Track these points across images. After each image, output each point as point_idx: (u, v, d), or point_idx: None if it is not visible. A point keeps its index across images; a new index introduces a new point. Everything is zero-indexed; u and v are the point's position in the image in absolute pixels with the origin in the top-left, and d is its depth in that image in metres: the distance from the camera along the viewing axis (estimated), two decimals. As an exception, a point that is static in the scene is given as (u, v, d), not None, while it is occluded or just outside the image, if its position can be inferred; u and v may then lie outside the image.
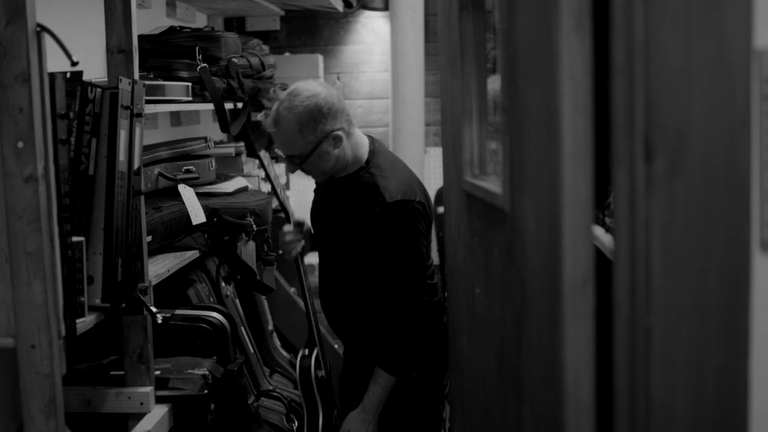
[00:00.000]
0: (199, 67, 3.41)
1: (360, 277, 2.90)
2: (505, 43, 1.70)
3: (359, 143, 2.86)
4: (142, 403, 2.43)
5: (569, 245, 1.36)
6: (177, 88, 3.13)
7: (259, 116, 2.88)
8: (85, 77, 2.01)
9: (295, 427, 3.46)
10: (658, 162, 1.21)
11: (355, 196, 2.83)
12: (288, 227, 3.08)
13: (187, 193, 3.21)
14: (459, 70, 2.16)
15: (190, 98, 3.25)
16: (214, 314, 3.05)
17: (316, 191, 3.12)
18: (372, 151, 2.87)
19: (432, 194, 5.10)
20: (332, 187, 2.94)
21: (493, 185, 1.90)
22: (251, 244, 3.66)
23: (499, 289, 1.88)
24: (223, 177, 3.72)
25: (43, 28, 1.71)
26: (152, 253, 2.85)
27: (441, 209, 4.97)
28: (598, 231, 2.07)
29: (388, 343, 2.86)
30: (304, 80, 2.85)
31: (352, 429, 2.89)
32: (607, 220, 2.10)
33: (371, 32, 5.39)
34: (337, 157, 2.79)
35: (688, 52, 1.20)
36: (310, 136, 2.73)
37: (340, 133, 2.75)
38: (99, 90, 2.05)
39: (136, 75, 2.34)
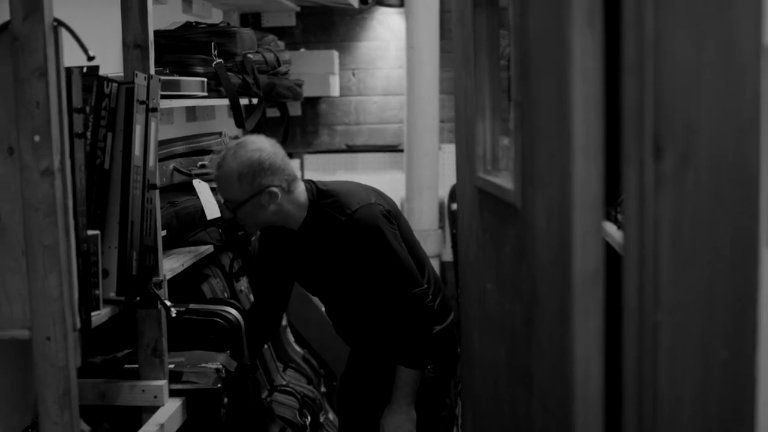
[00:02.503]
0: (215, 62, 3.43)
1: (361, 295, 2.98)
2: (518, 39, 1.71)
3: (300, 197, 2.91)
4: (155, 397, 2.45)
5: (580, 239, 1.37)
6: (192, 83, 3.14)
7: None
8: (102, 72, 2.03)
9: (308, 422, 3.47)
10: (667, 159, 1.22)
11: (322, 234, 2.91)
12: None
13: (201, 188, 3.23)
14: (472, 67, 2.16)
15: (206, 93, 3.27)
16: (228, 309, 3.07)
17: (266, 241, 3.17)
18: (310, 190, 2.95)
19: (446, 191, 5.11)
20: (297, 236, 2.98)
21: (504, 181, 1.90)
22: (265, 240, 3.66)
23: (510, 284, 1.88)
24: (237, 172, 3.73)
25: (60, 23, 1.73)
26: (167, 247, 2.87)
27: (455, 206, 4.98)
28: (610, 227, 2.07)
29: (401, 340, 2.90)
30: (254, 135, 2.97)
31: (389, 425, 2.96)
32: (619, 216, 2.10)
33: (387, 29, 5.39)
34: (273, 212, 2.85)
35: (698, 50, 1.20)
36: (247, 186, 2.80)
37: (275, 189, 2.82)
38: (115, 85, 2.07)
39: (152, 70, 2.36)
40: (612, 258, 1.49)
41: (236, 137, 4.32)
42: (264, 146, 2.84)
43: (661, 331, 1.25)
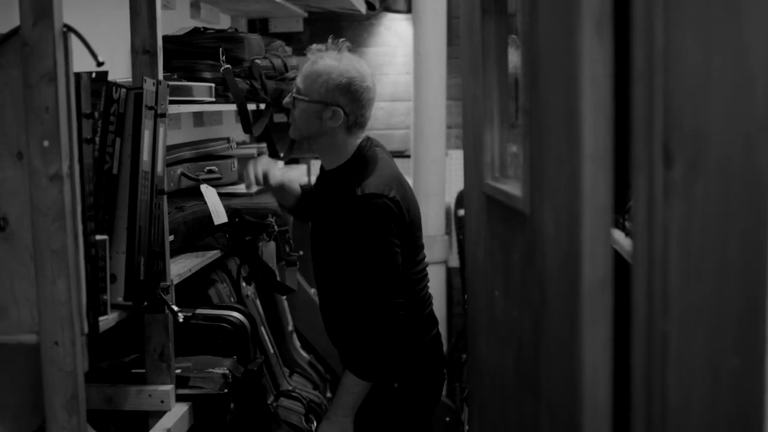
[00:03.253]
0: (223, 68, 3.43)
1: (335, 274, 2.92)
2: (527, 46, 1.71)
3: (351, 143, 2.87)
4: (162, 401, 2.45)
5: (588, 247, 1.37)
6: (200, 88, 3.15)
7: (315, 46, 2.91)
8: (110, 77, 2.03)
9: (314, 428, 3.47)
10: (676, 167, 1.22)
11: (334, 190, 2.87)
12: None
13: (209, 193, 3.23)
14: (480, 74, 2.16)
15: (213, 99, 3.27)
16: (235, 314, 3.07)
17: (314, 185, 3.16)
18: (362, 147, 2.88)
19: (453, 197, 5.11)
20: (321, 181, 3.00)
21: (513, 188, 1.91)
22: (272, 245, 3.67)
23: (518, 291, 1.88)
24: (245, 177, 3.74)
25: (70, 29, 1.73)
26: (174, 252, 2.87)
27: (461, 212, 4.98)
28: (618, 235, 2.07)
29: (354, 343, 2.84)
30: (368, 65, 2.91)
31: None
32: (627, 224, 2.10)
33: (394, 35, 5.39)
34: (323, 132, 2.83)
35: (708, 57, 1.20)
36: (323, 90, 2.78)
37: (342, 114, 2.79)
38: (124, 90, 2.07)
39: (161, 75, 2.36)
40: (620, 265, 1.49)
41: (243, 142, 4.33)
42: (365, 73, 2.82)
43: (670, 339, 1.25)
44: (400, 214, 2.76)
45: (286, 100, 2.90)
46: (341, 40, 2.88)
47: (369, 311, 2.77)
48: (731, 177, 1.22)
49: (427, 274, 2.99)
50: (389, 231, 2.74)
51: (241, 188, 3.52)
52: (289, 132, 2.94)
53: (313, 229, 3.03)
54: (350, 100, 2.78)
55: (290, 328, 4.04)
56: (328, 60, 2.80)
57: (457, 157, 5.17)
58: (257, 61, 3.68)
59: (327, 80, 2.77)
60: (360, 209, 2.73)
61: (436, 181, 4.94)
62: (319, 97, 2.78)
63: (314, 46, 2.90)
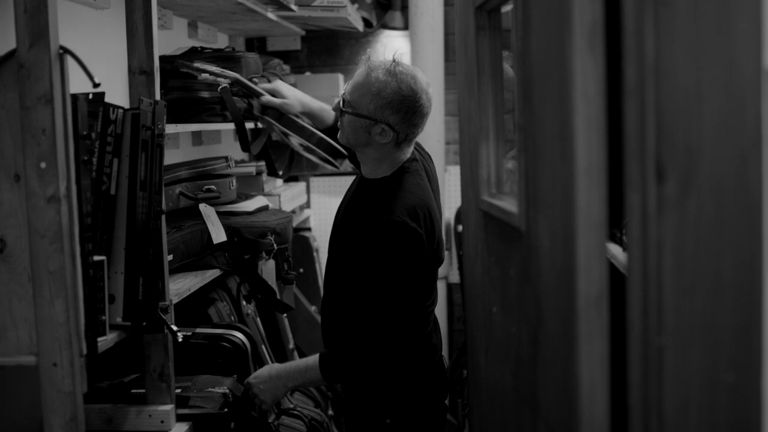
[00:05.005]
0: (220, 87, 3.44)
1: (343, 281, 2.82)
2: (520, 62, 1.72)
3: (396, 159, 2.76)
4: (162, 422, 2.44)
5: (583, 262, 1.37)
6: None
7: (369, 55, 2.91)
8: (108, 98, 2.04)
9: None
10: (669, 183, 1.22)
11: (365, 203, 2.77)
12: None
13: (207, 212, 3.24)
14: (476, 90, 2.17)
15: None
16: (235, 333, 3.07)
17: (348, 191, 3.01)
18: (405, 168, 2.77)
19: (452, 213, 5.11)
20: (358, 186, 2.89)
21: (509, 204, 1.91)
22: (271, 263, 3.67)
23: (515, 307, 1.88)
24: (243, 196, 3.74)
25: (66, 51, 1.74)
26: (173, 272, 2.88)
27: (461, 228, 4.99)
28: (615, 249, 2.07)
29: (341, 344, 2.78)
30: (419, 71, 2.78)
31: (260, 382, 2.84)
32: (624, 238, 2.10)
33: (391, 51, 5.39)
34: (370, 144, 2.73)
35: (699, 73, 1.21)
36: (373, 107, 2.68)
37: (390, 132, 2.68)
38: (121, 111, 2.08)
39: (158, 95, 2.37)
40: (618, 280, 1.49)
41: (242, 161, 4.34)
42: (419, 89, 2.68)
43: (666, 355, 1.25)
44: (422, 246, 2.63)
45: (335, 105, 2.89)
46: (398, 52, 2.84)
47: (367, 331, 2.67)
48: (724, 192, 1.22)
49: (434, 309, 2.87)
50: (408, 261, 2.62)
51: (239, 207, 3.52)
52: (338, 136, 2.86)
53: (335, 229, 2.92)
54: (401, 119, 2.67)
55: (291, 345, 4.04)
56: (381, 74, 2.70)
57: (455, 173, 5.17)
58: (255, 79, 3.68)
59: (378, 97, 2.67)
60: (384, 233, 2.62)
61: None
62: (368, 113, 2.69)
63: (368, 54, 2.88)
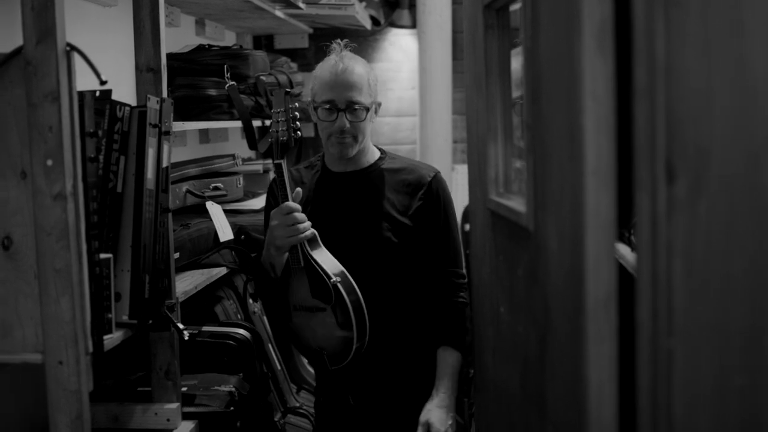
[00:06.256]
0: (228, 85, 3.44)
1: (404, 259, 2.79)
2: (529, 62, 1.71)
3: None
4: (168, 420, 2.44)
5: (592, 263, 1.36)
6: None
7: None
8: (114, 95, 2.03)
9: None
10: (679, 184, 1.21)
11: (390, 181, 2.84)
12: (291, 204, 2.66)
13: (214, 210, 3.24)
14: (484, 89, 2.16)
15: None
16: (241, 331, 3.07)
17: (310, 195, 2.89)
18: (379, 147, 2.95)
19: (459, 212, 5.10)
20: (348, 182, 2.85)
21: (517, 204, 1.90)
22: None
23: (522, 307, 1.88)
24: (250, 194, 3.75)
25: (73, 48, 1.73)
26: (180, 269, 2.87)
27: (468, 227, 4.97)
28: (624, 249, 2.06)
29: (451, 316, 2.80)
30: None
31: (436, 421, 2.71)
32: (633, 238, 2.09)
33: (399, 50, 5.40)
34: (367, 132, 2.82)
35: (710, 73, 1.20)
36: (373, 91, 2.79)
37: (378, 106, 2.83)
38: (127, 108, 2.08)
39: (165, 93, 2.36)
40: (626, 280, 1.48)
41: (249, 159, 4.33)
42: None
43: (676, 357, 1.24)
44: None
45: (362, 121, 2.76)
46: (339, 41, 2.93)
47: (461, 279, 2.84)
48: (735, 193, 1.21)
49: None
50: None
51: (246, 205, 3.52)
52: (346, 152, 2.79)
53: (347, 229, 2.81)
54: (377, 90, 2.84)
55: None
56: (359, 65, 2.79)
57: (463, 171, 5.16)
58: (262, 77, 3.69)
59: (370, 80, 2.78)
60: (442, 186, 2.83)
61: (443, 195, 4.93)
62: (371, 100, 2.78)
63: (336, 55, 2.85)
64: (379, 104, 2.85)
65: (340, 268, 2.69)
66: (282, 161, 2.66)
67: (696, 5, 1.21)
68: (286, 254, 2.70)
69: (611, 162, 1.34)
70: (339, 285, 2.64)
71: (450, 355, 2.79)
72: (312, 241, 2.69)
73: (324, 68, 2.82)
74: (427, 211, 2.80)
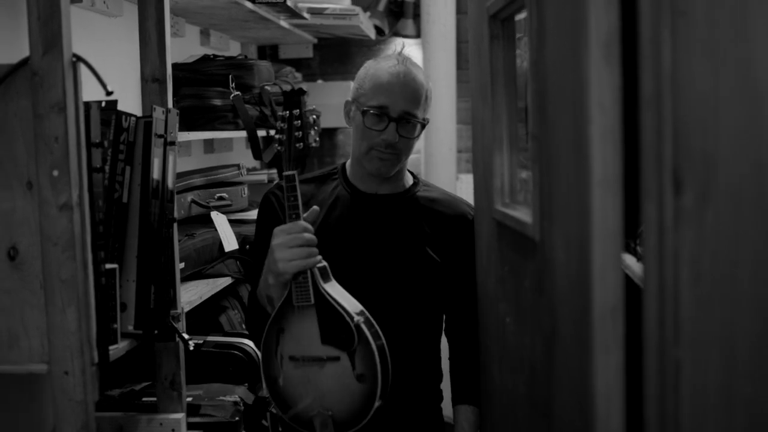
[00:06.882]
0: (233, 95, 3.45)
1: (431, 301, 2.54)
2: (535, 72, 1.71)
3: None
4: (173, 430, 2.43)
5: (599, 273, 1.36)
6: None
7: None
8: (120, 106, 2.04)
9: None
10: (686, 194, 1.21)
11: (426, 212, 2.53)
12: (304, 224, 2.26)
13: (219, 220, 3.24)
14: (489, 99, 2.16)
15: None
16: (246, 341, 3.06)
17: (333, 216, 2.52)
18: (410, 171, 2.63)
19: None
20: (381, 206, 2.52)
21: (523, 214, 1.90)
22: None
23: (529, 318, 1.87)
24: (255, 204, 3.74)
25: (79, 58, 1.74)
26: (185, 279, 2.87)
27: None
28: (630, 259, 2.06)
29: (470, 369, 2.54)
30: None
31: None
32: (638, 248, 2.09)
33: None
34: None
35: (716, 82, 1.20)
36: (427, 106, 2.48)
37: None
38: (133, 119, 2.08)
39: (170, 103, 2.36)
40: (631, 290, 1.48)
41: (253, 169, 4.34)
42: None
43: (683, 368, 1.24)
44: None
45: (413, 138, 2.47)
46: (402, 42, 2.70)
47: (473, 325, 2.53)
48: (743, 203, 1.21)
49: None
50: None
51: (251, 215, 3.52)
52: (386, 170, 2.48)
53: (373, 257, 2.49)
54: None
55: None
56: (416, 72, 2.45)
57: (467, 181, 5.17)
58: (267, 87, 3.69)
59: (427, 95, 2.47)
60: (473, 228, 2.53)
61: (447, 205, 4.93)
62: (426, 114, 2.49)
63: (400, 53, 2.52)
64: (428, 121, 2.52)
65: (360, 306, 2.27)
66: (295, 172, 2.25)
67: (702, 14, 1.21)
68: (286, 288, 2.27)
69: (618, 172, 1.34)
70: (363, 326, 2.20)
71: (471, 413, 2.54)
72: (323, 274, 2.26)
73: (381, 68, 2.47)
74: (464, 251, 2.53)
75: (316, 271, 2.23)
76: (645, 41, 1.25)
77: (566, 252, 1.53)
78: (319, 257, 2.23)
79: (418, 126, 2.44)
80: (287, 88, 3.85)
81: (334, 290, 2.25)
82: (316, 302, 2.22)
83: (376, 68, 2.47)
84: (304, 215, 2.25)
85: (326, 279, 2.26)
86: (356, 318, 2.19)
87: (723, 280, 1.22)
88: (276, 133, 2.31)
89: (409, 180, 2.60)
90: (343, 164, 2.62)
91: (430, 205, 2.54)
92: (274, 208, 2.47)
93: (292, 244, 2.20)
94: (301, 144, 2.29)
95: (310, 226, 2.23)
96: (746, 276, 1.22)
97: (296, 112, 2.30)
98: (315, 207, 2.29)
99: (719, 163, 1.21)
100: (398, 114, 2.40)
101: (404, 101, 2.40)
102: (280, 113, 2.33)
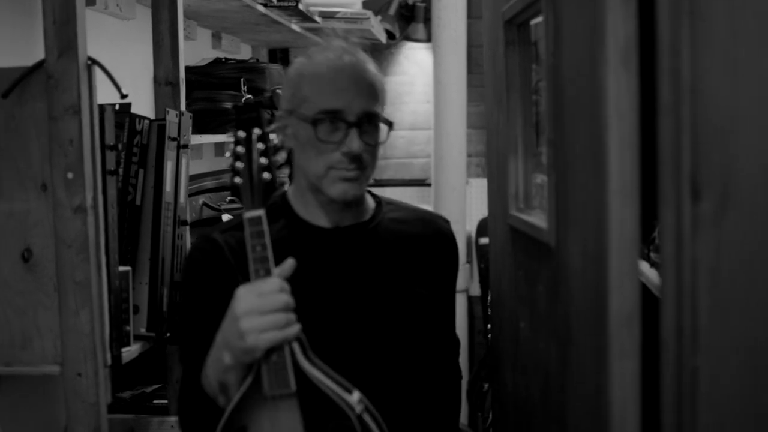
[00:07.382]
0: (244, 98, 3.44)
1: (407, 336, 1.90)
2: (551, 78, 1.71)
3: None
4: (184, 432, 2.44)
5: (616, 281, 1.36)
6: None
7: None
8: (134, 109, 2.04)
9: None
10: (705, 201, 1.21)
11: (401, 238, 1.97)
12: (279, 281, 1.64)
13: (230, 223, 3.23)
14: (504, 104, 2.16)
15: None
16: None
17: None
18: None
19: (474, 225, 5.10)
20: (347, 243, 1.92)
21: (538, 220, 1.90)
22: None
23: (544, 323, 1.87)
24: (266, 207, 3.74)
25: (94, 62, 1.74)
26: (196, 282, 2.86)
27: (482, 240, 4.97)
28: (644, 266, 2.05)
29: (451, 406, 2.05)
30: None
31: None
32: (653, 255, 2.08)
33: (414, 63, 5.40)
34: None
35: (736, 89, 1.19)
36: (385, 102, 1.92)
37: None
38: (146, 122, 2.08)
39: (183, 107, 2.37)
40: (645, 297, 1.47)
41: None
42: None
43: (700, 376, 1.23)
44: None
45: (378, 144, 1.88)
46: (334, 28, 2.13)
47: (457, 350, 2.10)
48: (762, 211, 1.20)
49: None
50: None
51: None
52: (352, 192, 1.85)
53: (358, 296, 1.89)
54: None
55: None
56: (369, 65, 1.97)
57: (477, 185, 5.16)
58: (278, 91, 3.68)
59: (385, 83, 1.96)
60: (454, 246, 2.06)
61: (457, 209, 4.91)
62: (386, 118, 1.91)
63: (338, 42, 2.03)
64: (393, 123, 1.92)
65: (353, 388, 1.70)
66: (262, 212, 1.66)
67: (721, 19, 1.20)
68: (248, 373, 1.66)
69: (635, 179, 1.34)
70: (366, 416, 1.67)
71: None
72: (303, 349, 1.68)
73: (320, 63, 1.94)
74: (444, 271, 2.03)
75: (296, 346, 1.65)
76: (663, 45, 1.25)
77: (582, 259, 1.52)
78: (299, 326, 1.63)
79: (384, 128, 1.88)
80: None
81: (320, 370, 1.68)
82: (299, 389, 1.64)
83: (314, 64, 1.94)
84: (277, 270, 1.64)
85: (307, 355, 1.68)
86: (358, 408, 1.66)
87: (741, 288, 1.22)
88: (234, 160, 1.72)
89: (371, 202, 2.01)
90: (282, 196, 2.00)
91: (403, 229, 1.98)
92: (223, 261, 1.85)
93: (265, 310, 1.59)
94: (269, 174, 1.70)
95: (286, 285, 1.64)
96: (765, 283, 1.21)
97: (257, 131, 1.72)
98: (290, 259, 1.66)
99: (738, 170, 1.20)
100: (357, 116, 1.82)
101: (361, 99, 1.84)
102: (235, 135, 1.74)
